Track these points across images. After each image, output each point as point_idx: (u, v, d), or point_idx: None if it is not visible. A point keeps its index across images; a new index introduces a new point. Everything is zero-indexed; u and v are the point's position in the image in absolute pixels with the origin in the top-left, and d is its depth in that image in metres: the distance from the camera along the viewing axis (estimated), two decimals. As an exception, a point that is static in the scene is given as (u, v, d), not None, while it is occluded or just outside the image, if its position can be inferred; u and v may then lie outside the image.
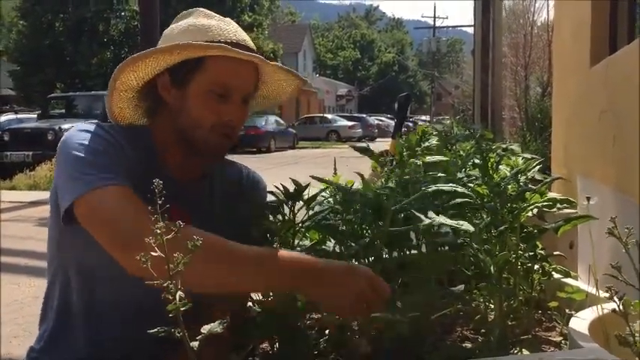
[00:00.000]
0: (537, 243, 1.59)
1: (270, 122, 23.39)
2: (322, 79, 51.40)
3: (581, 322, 1.37)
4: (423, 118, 47.75)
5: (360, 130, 32.67)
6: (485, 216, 1.43)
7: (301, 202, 1.40)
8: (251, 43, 1.33)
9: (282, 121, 25.39)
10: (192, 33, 1.28)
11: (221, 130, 1.27)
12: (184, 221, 1.09)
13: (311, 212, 1.37)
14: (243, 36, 1.32)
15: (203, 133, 1.26)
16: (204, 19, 1.34)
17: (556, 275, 1.68)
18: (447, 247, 1.39)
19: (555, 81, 4.38)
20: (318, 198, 1.46)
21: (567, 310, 1.56)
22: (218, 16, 1.36)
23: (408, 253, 1.67)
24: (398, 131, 2.73)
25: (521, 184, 1.46)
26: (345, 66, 62.21)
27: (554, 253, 1.60)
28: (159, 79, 1.28)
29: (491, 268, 1.24)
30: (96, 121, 1.31)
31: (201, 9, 1.38)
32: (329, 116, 34.76)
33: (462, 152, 1.89)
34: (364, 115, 38.69)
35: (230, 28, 1.31)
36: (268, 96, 1.46)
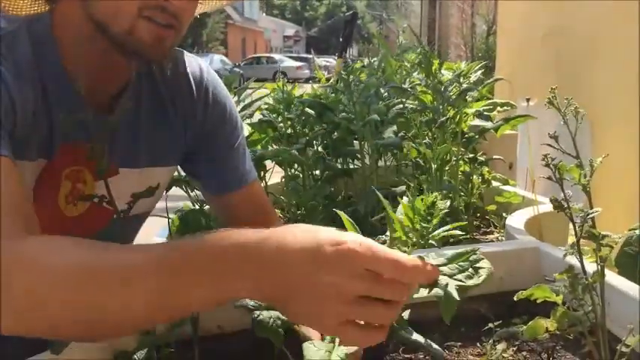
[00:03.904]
0: (476, 149, 1.61)
1: (215, 62, 22.79)
2: (269, 19, 50.22)
3: (517, 219, 1.40)
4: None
5: (307, 71, 32.25)
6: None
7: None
8: None
9: (228, 61, 24.81)
10: None
11: (155, 16, 0.82)
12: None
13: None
14: None
15: (126, 21, 0.81)
16: None
17: (495, 183, 1.71)
18: (392, 148, 1.38)
19: (500, 7, 4.38)
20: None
21: (505, 214, 1.60)
22: None
23: (352, 163, 1.66)
24: (343, 50, 2.67)
25: (464, 86, 1.45)
26: (293, 6, 60.86)
27: (494, 156, 1.62)
28: None
29: (432, 163, 1.24)
30: None
31: None
32: (276, 56, 34.10)
33: (407, 63, 1.87)
34: (312, 56, 38.09)
35: None
36: None
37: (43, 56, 0.83)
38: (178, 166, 1.05)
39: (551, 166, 0.80)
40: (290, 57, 35.94)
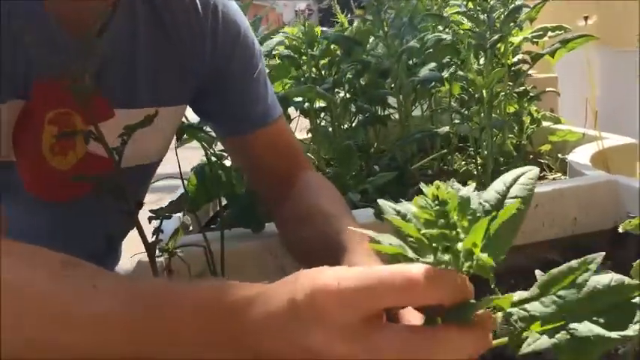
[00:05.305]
0: (525, 83, 1.43)
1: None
2: (280, -6, 49.75)
3: (581, 155, 1.23)
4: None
5: (322, 43, 32.00)
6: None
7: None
8: None
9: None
10: None
11: None
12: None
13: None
14: None
15: None
16: None
17: (545, 123, 1.54)
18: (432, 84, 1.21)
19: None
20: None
21: (560, 155, 1.42)
22: None
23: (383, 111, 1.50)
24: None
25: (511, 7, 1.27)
26: (304, -21, 60.16)
27: (547, 89, 1.44)
28: None
29: (483, 91, 1.07)
30: None
31: None
32: (290, 31, 33.78)
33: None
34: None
35: None
36: None
37: None
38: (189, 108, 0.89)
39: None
40: (304, 31, 35.61)
